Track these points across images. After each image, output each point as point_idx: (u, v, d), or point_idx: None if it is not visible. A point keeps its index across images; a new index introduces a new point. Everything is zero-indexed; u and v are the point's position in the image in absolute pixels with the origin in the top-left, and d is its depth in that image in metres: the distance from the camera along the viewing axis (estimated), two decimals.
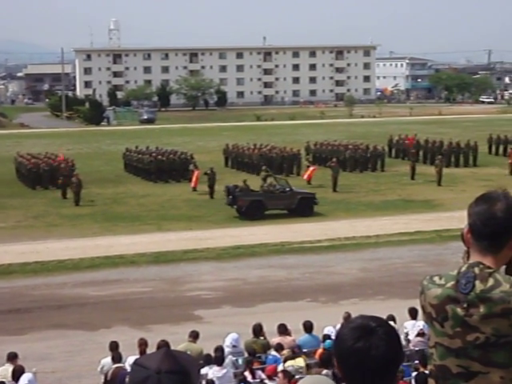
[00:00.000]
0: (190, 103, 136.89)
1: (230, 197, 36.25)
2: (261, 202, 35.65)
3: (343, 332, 2.96)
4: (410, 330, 16.31)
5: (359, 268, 26.94)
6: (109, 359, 14.57)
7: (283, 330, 15.86)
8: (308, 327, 15.90)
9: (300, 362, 13.55)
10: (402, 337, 16.35)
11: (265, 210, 35.80)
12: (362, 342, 2.90)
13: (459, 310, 3.46)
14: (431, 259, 26.67)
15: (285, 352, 14.05)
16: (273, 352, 14.78)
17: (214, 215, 36.79)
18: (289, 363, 13.38)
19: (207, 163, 46.41)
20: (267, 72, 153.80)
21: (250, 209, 35.54)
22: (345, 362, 2.95)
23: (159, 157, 48.71)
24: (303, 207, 35.90)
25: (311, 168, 45.55)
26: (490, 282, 3.43)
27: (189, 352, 14.25)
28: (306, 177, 45.23)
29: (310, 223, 34.40)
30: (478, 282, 3.44)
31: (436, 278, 3.61)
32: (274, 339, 15.57)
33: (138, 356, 12.69)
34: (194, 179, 43.12)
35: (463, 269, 3.51)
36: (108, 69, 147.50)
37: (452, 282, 3.51)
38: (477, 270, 3.48)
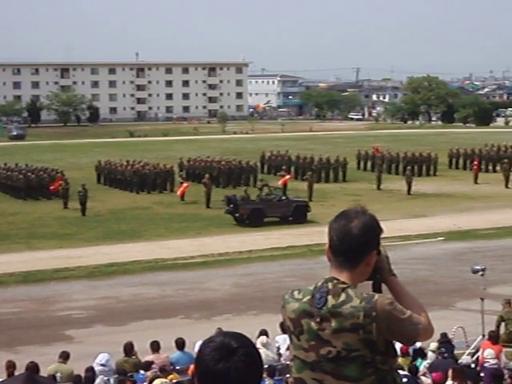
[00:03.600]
0: (62, 119, 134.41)
1: (231, 206, 37.76)
2: (261, 210, 37.27)
3: (204, 352, 2.95)
4: (282, 343, 16.53)
5: (232, 283, 27.12)
6: None
7: (156, 347, 15.81)
8: (180, 344, 15.91)
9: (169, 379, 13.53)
10: (274, 350, 16.57)
11: (264, 217, 37.29)
12: (222, 364, 2.89)
13: (313, 324, 3.55)
14: (302, 273, 27.11)
15: (149, 374, 13.91)
16: (143, 371, 14.69)
17: (86, 233, 36.27)
18: (157, 382, 13.32)
19: (79, 180, 45.70)
20: (140, 88, 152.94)
21: (251, 217, 37.01)
22: (205, 382, 2.96)
23: (29, 174, 47.68)
24: (298, 214, 37.73)
25: (184, 184, 45.56)
26: (342, 297, 3.52)
27: (59, 373, 14.06)
28: (178, 193, 45.25)
29: (184, 239, 34.40)
30: (330, 297, 3.53)
31: (296, 293, 3.69)
32: (147, 357, 15.49)
33: (5, 379, 12.39)
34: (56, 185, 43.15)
35: (319, 284, 3.61)
36: None
37: (308, 297, 3.60)
38: (330, 285, 3.57)
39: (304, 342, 3.59)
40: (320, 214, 39.13)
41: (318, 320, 3.53)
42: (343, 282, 3.57)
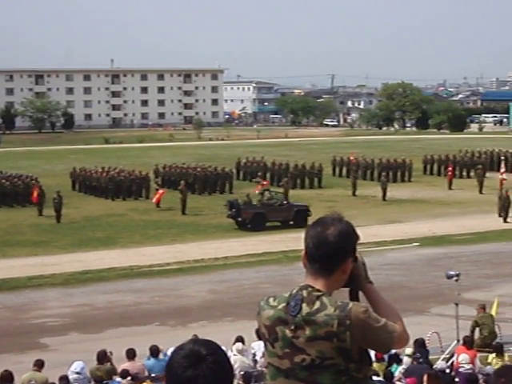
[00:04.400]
0: (36, 126, 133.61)
1: (234, 210, 38.35)
2: (263, 215, 37.94)
3: (174, 359, 2.96)
4: (258, 350, 16.53)
5: (208, 290, 27.08)
6: None
7: (132, 355, 15.75)
8: (154, 351, 15.88)
9: None
10: (250, 357, 16.56)
11: (266, 221, 38.03)
12: (190, 371, 2.89)
13: (287, 332, 3.54)
14: (278, 280, 27.13)
15: (124, 382, 13.87)
16: (118, 378, 14.64)
17: (61, 240, 36.09)
18: None
19: (54, 187, 45.42)
20: (115, 94, 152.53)
21: (254, 221, 37.63)
22: None
23: (3, 181, 47.38)
24: (299, 219, 37.95)
25: (160, 191, 45.44)
26: (317, 305, 3.52)
27: (33, 382, 13.96)
28: (154, 200, 45.07)
29: (159, 246, 34.32)
30: (304, 305, 3.52)
31: (271, 300, 3.69)
32: (123, 365, 15.43)
33: None
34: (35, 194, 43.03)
35: (294, 291, 3.61)
36: None
37: (283, 304, 3.59)
38: (305, 292, 3.56)
39: (278, 349, 3.59)
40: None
41: (292, 328, 3.53)
42: (318, 290, 3.56)
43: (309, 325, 3.50)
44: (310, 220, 37.24)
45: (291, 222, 38.28)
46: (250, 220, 37.91)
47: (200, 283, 27.97)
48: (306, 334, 3.50)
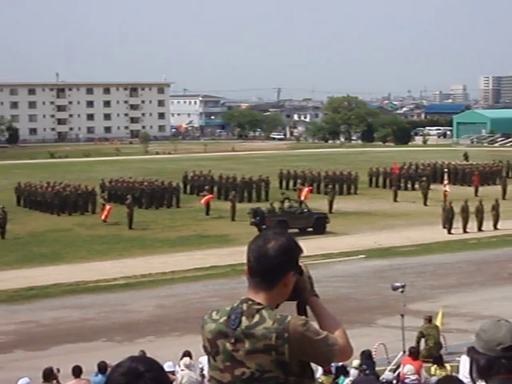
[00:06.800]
0: None
1: (257, 218, 40.02)
2: (285, 222, 38.79)
3: (112, 377, 2.94)
4: (205, 365, 16.48)
5: (155, 305, 26.96)
6: None
7: (78, 372, 15.60)
8: (102, 368, 15.74)
9: None
10: (198, 372, 16.52)
11: (288, 229, 38.03)
12: None
13: (228, 345, 3.57)
14: (225, 293, 27.10)
15: None
16: None
17: (6, 256, 35.61)
18: None
19: None
20: (61, 108, 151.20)
21: (277, 228, 37.03)
22: None
23: None
24: (318, 226, 39.72)
25: (107, 207, 44.77)
26: (256, 318, 3.53)
27: None
28: (103, 217, 44.32)
29: (106, 261, 34.08)
30: (244, 318, 3.54)
31: (214, 313, 3.71)
32: (68, 383, 15.28)
33: None
34: None
35: (235, 305, 3.64)
36: None
37: (225, 318, 3.61)
38: (245, 306, 3.57)
39: (220, 362, 3.61)
40: (243, 233, 39.13)
41: (232, 341, 3.55)
42: (258, 303, 3.58)
43: (248, 338, 3.52)
44: (329, 227, 40.07)
45: (310, 229, 39.77)
46: (273, 227, 38.10)
47: (147, 298, 27.84)
48: (245, 348, 3.52)
